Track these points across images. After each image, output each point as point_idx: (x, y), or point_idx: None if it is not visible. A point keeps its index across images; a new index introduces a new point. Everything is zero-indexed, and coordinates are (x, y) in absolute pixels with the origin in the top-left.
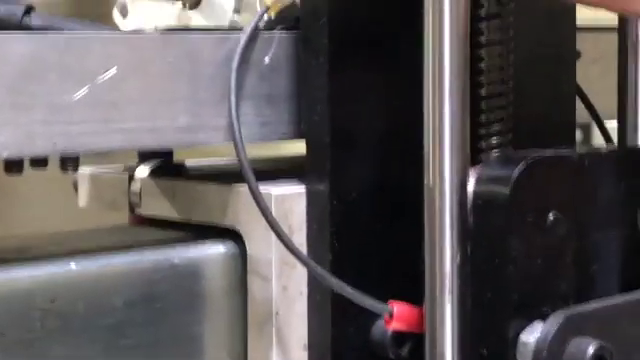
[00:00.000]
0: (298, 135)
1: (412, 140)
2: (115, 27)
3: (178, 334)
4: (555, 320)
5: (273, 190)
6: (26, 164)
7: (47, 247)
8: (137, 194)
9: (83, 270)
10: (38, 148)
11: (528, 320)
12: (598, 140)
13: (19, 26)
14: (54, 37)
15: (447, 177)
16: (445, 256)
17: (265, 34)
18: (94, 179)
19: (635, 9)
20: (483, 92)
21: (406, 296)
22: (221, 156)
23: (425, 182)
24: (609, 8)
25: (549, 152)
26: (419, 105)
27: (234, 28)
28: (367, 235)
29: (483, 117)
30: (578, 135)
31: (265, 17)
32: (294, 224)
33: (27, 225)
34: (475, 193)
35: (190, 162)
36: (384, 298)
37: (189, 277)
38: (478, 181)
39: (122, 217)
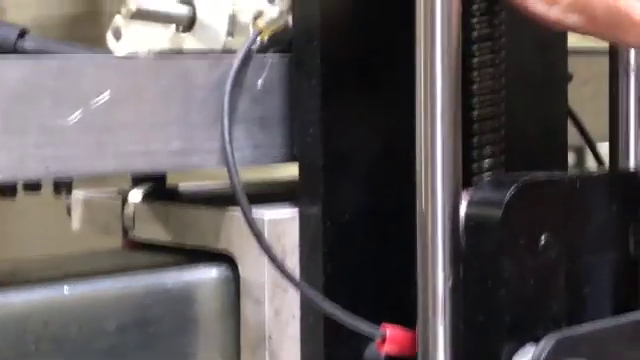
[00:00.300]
0: (291, 158)
1: (405, 162)
2: (109, 50)
3: (171, 358)
4: (547, 343)
5: (266, 214)
6: (20, 188)
7: (40, 271)
8: (130, 218)
9: (76, 294)
10: (31, 172)
11: (520, 343)
12: (592, 162)
13: (13, 49)
14: (48, 61)
15: (439, 200)
16: (437, 279)
17: (258, 57)
18: (87, 203)
19: (625, 39)
20: (475, 115)
21: (399, 319)
22: (214, 179)
23: (417, 205)
24: (601, 36)
25: (541, 175)
26: (412, 127)
27: (227, 51)
28: (360, 258)
29: (475, 140)
30: (572, 158)
31: (258, 40)
32: (287, 247)
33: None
34: (467, 216)
35: (183, 185)
36: (377, 321)
37: (182, 301)
38: (470, 204)
39: (115, 241)
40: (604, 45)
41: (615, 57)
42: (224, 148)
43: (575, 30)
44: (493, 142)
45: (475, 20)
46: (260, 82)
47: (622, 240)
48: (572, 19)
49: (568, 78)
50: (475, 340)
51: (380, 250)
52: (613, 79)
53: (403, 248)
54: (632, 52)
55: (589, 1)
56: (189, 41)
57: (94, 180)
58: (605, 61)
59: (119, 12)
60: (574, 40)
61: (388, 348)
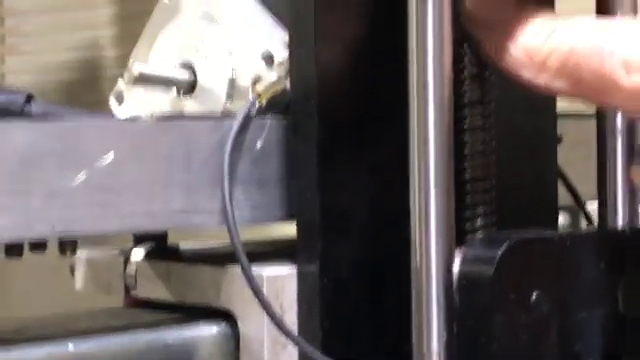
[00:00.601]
0: (289, 217)
1: (400, 221)
2: (111, 114)
3: None
4: None
5: (265, 271)
6: (25, 248)
7: (45, 328)
8: (132, 277)
9: (80, 351)
10: (37, 232)
11: None
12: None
13: (20, 114)
14: (54, 125)
15: (433, 257)
16: (432, 335)
17: (257, 120)
18: (90, 262)
19: (611, 102)
20: (467, 176)
21: None
22: (214, 238)
23: (412, 262)
24: (588, 100)
25: (531, 233)
26: (407, 187)
27: (227, 114)
28: (356, 314)
29: (468, 200)
30: (566, 218)
31: (257, 104)
32: (285, 304)
33: (25, 307)
34: (460, 273)
35: (184, 244)
36: None
37: (183, 357)
38: (463, 262)
39: (118, 299)
40: (592, 108)
41: (602, 119)
42: (224, 208)
43: (563, 94)
44: (485, 202)
45: (466, 85)
46: (259, 144)
47: (611, 296)
48: (560, 84)
49: (558, 140)
50: None
51: (376, 306)
52: (601, 141)
53: (399, 304)
54: (619, 114)
55: (576, 67)
56: (190, 105)
57: (98, 239)
58: (594, 123)
59: (120, 77)
60: (564, 104)
61: None
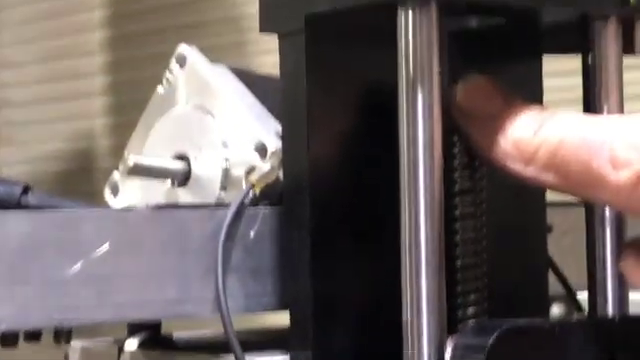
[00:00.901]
0: (282, 306)
1: (392, 310)
2: (107, 205)
3: None
4: None
5: None
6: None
7: None
8: None
9: None
10: (34, 322)
11: None
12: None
13: (18, 205)
14: (51, 215)
15: (425, 346)
16: None
17: (250, 209)
18: (85, 352)
19: (598, 197)
20: (458, 264)
21: None
22: (208, 327)
23: (404, 351)
24: (575, 195)
25: (522, 321)
26: (398, 276)
27: (221, 204)
28: None
29: (459, 288)
30: (559, 307)
31: (250, 193)
32: None
33: None
34: None
35: (178, 333)
36: None
37: None
38: (454, 350)
39: None
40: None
41: (591, 210)
42: (218, 297)
43: (551, 187)
44: (476, 290)
45: (457, 174)
46: (252, 233)
47: None
48: (548, 177)
49: (548, 229)
50: None
51: None
52: (590, 231)
53: None
54: (607, 205)
55: (564, 161)
56: (184, 195)
57: (92, 329)
58: (583, 212)
59: (113, 167)
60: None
61: None
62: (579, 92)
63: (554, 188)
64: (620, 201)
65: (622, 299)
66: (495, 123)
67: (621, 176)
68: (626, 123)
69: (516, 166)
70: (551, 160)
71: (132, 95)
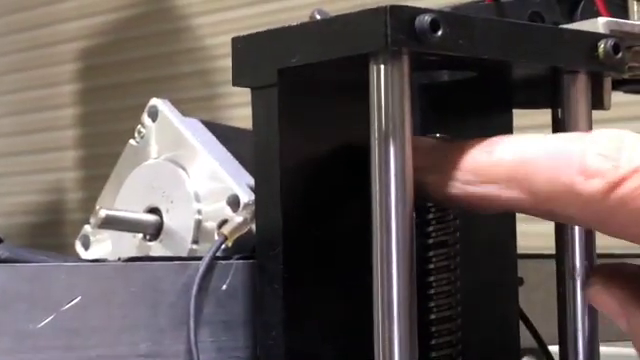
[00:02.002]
0: (254, 359)
1: None
2: (78, 258)
3: None
4: None
5: None
6: None
7: None
8: None
9: None
10: None
11: None
12: None
13: None
14: (22, 268)
15: None
16: None
17: (222, 263)
18: None
19: (566, 212)
20: (433, 317)
21: None
22: None
23: None
24: (541, 212)
25: None
26: (371, 329)
27: (193, 257)
28: None
29: (433, 342)
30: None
31: (223, 246)
32: None
33: None
34: None
35: None
36: None
37: None
38: None
39: None
40: (552, 250)
41: (561, 262)
42: (190, 351)
43: (517, 207)
44: (451, 344)
45: (431, 227)
46: (224, 287)
47: None
48: (512, 194)
49: (519, 282)
50: None
51: None
52: (560, 284)
53: None
54: (577, 258)
55: (527, 176)
56: (156, 248)
57: None
58: (554, 266)
59: (82, 221)
60: (523, 244)
61: None
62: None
63: (520, 207)
64: (588, 213)
65: (593, 352)
66: (448, 162)
67: (592, 185)
68: (596, 135)
69: (477, 190)
70: (513, 175)
71: (103, 148)
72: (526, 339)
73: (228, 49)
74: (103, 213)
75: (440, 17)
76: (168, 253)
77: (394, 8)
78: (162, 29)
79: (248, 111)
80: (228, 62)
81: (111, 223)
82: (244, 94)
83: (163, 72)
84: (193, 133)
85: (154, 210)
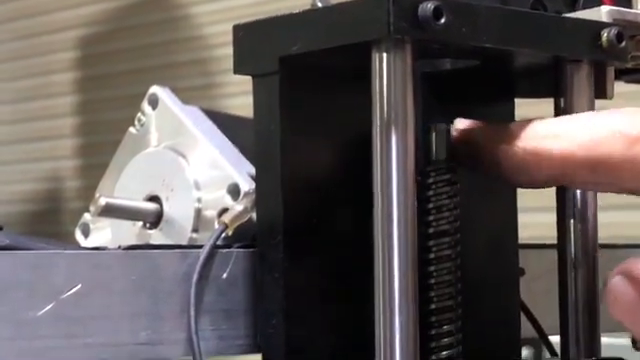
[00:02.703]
0: (254, 348)
1: (366, 353)
2: (78, 246)
3: None
4: None
5: None
6: None
7: None
8: None
9: None
10: None
11: None
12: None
13: None
14: (22, 255)
15: None
16: None
17: (223, 251)
18: None
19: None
20: (433, 307)
21: None
22: None
23: None
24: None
25: None
26: (372, 321)
27: (193, 245)
28: None
29: (433, 332)
30: (529, 351)
31: (223, 234)
32: None
33: None
34: None
35: None
36: None
37: None
38: None
39: None
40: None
41: (563, 252)
42: (190, 339)
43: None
44: (451, 333)
45: (432, 217)
46: (225, 275)
47: None
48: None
49: (520, 272)
50: None
51: None
52: (562, 274)
53: None
54: (579, 249)
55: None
56: (156, 236)
57: None
58: (555, 256)
59: (80, 209)
60: (525, 235)
61: None
62: None
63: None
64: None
65: (594, 343)
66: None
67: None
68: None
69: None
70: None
71: (101, 136)
72: (527, 329)
73: (226, 38)
74: (103, 201)
75: (443, 5)
76: (168, 241)
77: None
78: (160, 18)
79: (246, 100)
80: (226, 51)
81: (111, 211)
82: (242, 83)
83: (161, 61)
84: (193, 121)
85: (154, 198)
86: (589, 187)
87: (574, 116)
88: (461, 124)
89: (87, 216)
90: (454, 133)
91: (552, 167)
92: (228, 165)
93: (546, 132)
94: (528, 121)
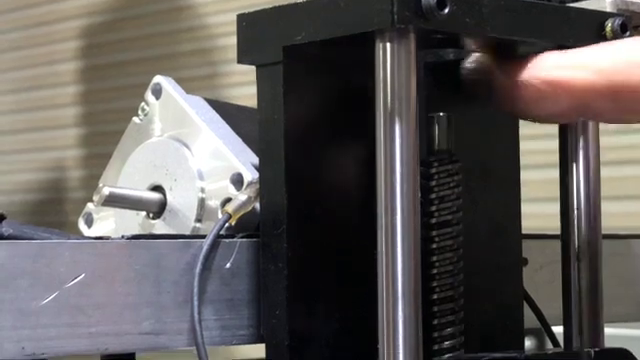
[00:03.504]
0: (258, 338)
1: (367, 343)
2: (81, 235)
3: None
4: None
5: None
6: None
7: None
8: None
9: None
10: (7, 352)
11: None
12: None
13: None
14: (25, 245)
15: None
16: None
17: (226, 241)
18: None
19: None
20: (435, 297)
21: None
22: (182, 359)
23: None
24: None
25: (497, 355)
26: (374, 310)
27: (197, 235)
28: None
29: (436, 322)
30: (532, 340)
31: (227, 224)
32: None
33: None
34: None
35: None
36: None
37: None
38: None
39: None
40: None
41: (566, 243)
42: (193, 328)
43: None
44: (453, 324)
45: (434, 207)
46: (228, 265)
47: None
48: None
49: (523, 262)
50: None
51: None
52: (565, 265)
53: None
54: (583, 240)
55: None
56: (159, 226)
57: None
58: (558, 245)
59: (83, 199)
60: (528, 225)
61: None
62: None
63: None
64: None
65: (597, 333)
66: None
67: None
68: None
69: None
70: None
71: (103, 126)
72: (530, 320)
73: (229, 28)
74: (107, 191)
75: None
76: (171, 231)
77: None
78: (163, 7)
79: (249, 90)
80: (229, 40)
81: (114, 201)
82: (245, 73)
83: (164, 50)
84: (197, 111)
85: (157, 188)
86: (608, 118)
87: (591, 47)
88: (473, 57)
89: (90, 206)
90: (467, 65)
91: (572, 97)
92: (232, 155)
93: (564, 62)
94: (542, 53)
